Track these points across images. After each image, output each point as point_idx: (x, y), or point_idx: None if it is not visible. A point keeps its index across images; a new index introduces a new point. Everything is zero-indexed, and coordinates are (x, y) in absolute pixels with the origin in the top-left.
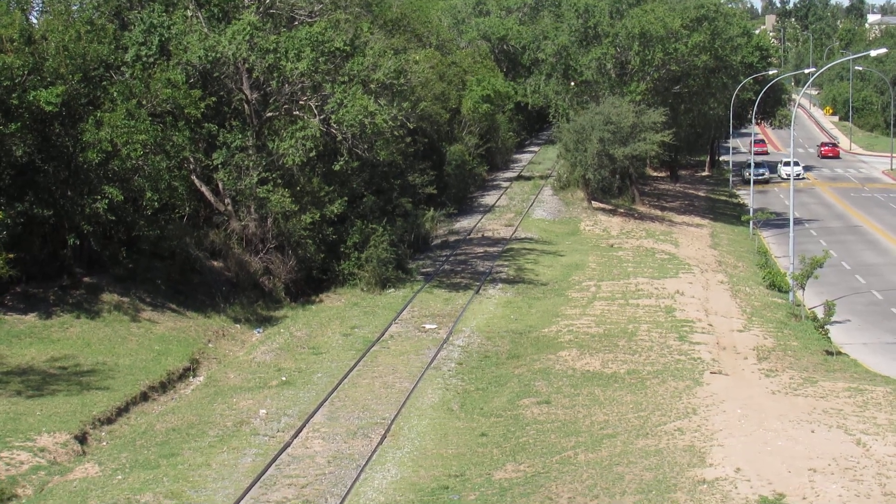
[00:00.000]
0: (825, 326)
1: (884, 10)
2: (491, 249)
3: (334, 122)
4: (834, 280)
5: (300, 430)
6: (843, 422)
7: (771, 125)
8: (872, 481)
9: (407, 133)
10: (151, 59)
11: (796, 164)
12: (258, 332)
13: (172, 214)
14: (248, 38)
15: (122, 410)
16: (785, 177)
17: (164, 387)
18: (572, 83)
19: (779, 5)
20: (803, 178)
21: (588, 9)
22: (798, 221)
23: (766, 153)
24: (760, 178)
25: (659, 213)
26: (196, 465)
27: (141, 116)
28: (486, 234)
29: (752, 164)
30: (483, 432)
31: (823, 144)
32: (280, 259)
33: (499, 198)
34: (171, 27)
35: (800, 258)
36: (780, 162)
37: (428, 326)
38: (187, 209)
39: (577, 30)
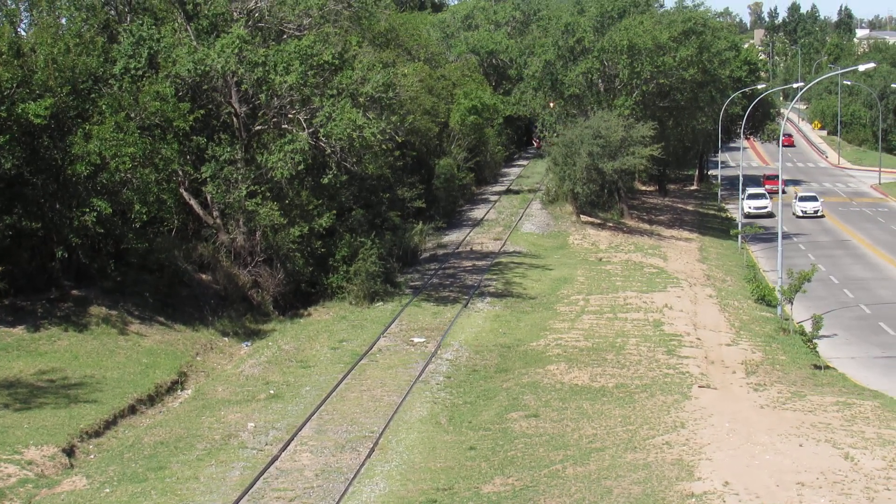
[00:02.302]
0: (813, 340)
1: (872, 25)
2: (479, 263)
3: (323, 136)
4: (822, 294)
5: (288, 444)
6: (831, 436)
7: (760, 139)
8: (861, 495)
9: (395, 147)
10: (140, 72)
11: (814, 198)
12: (246, 346)
13: (161, 227)
14: (236, 51)
15: (110, 423)
16: (801, 214)
17: (151, 400)
18: (552, 104)
19: (767, 20)
20: (821, 216)
21: (570, 26)
22: (786, 236)
23: (784, 191)
24: (762, 211)
25: (647, 227)
26: (184, 478)
27: (130, 129)
28: (474, 248)
29: (741, 190)
30: (471, 446)
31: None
32: (268, 272)
33: (487, 211)
34: (160, 40)
35: (788, 272)
36: (795, 196)
37: (416, 340)
38: (176, 222)
39: (563, 45)
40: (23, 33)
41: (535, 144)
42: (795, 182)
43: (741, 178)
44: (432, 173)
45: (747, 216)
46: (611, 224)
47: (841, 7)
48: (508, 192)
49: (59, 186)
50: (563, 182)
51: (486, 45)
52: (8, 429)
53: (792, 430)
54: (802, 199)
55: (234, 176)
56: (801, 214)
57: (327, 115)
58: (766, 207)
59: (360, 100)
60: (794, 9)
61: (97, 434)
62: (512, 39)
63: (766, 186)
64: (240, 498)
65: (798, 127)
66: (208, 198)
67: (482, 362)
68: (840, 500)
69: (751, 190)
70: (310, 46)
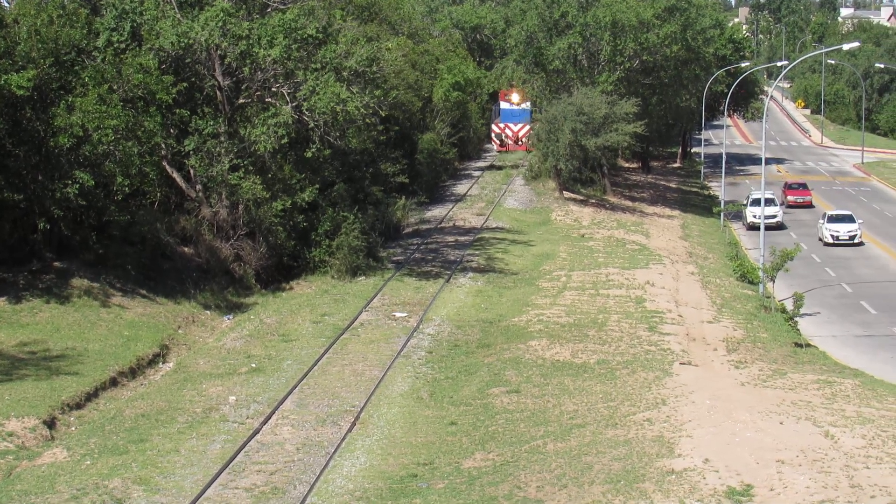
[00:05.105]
0: (794, 319)
1: (856, 4)
2: (462, 238)
3: (306, 110)
4: (804, 272)
5: (269, 417)
6: (811, 414)
7: (743, 117)
8: (840, 473)
9: (379, 121)
10: (123, 45)
11: (848, 218)
12: (228, 319)
13: (143, 200)
14: (220, 24)
15: (91, 396)
16: (831, 240)
17: (133, 372)
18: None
19: None
20: (860, 243)
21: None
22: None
23: (811, 205)
24: (770, 219)
25: (630, 203)
26: (165, 451)
27: (112, 101)
28: (457, 224)
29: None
30: (452, 421)
31: None
32: (251, 246)
33: (470, 187)
34: (143, 13)
35: (770, 250)
36: (823, 216)
37: (398, 315)
38: (158, 195)
39: (546, 18)
40: (6, 4)
41: (495, 144)
42: (779, 161)
43: (724, 156)
44: (415, 148)
45: (751, 227)
46: (593, 200)
47: None
48: (491, 167)
49: (42, 158)
50: (546, 158)
51: (471, 19)
52: None
53: (772, 408)
54: (833, 219)
55: (217, 149)
56: (830, 241)
57: (311, 88)
58: (775, 216)
59: (344, 74)
60: None
61: (78, 406)
62: (496, 14)
63: (790, 197)
64: (220, 471)
65: (781, 105)
66: (191, 171)
67: (464, 337)
68: (820, 478)
69: (755, 194)
70: (294, 20)
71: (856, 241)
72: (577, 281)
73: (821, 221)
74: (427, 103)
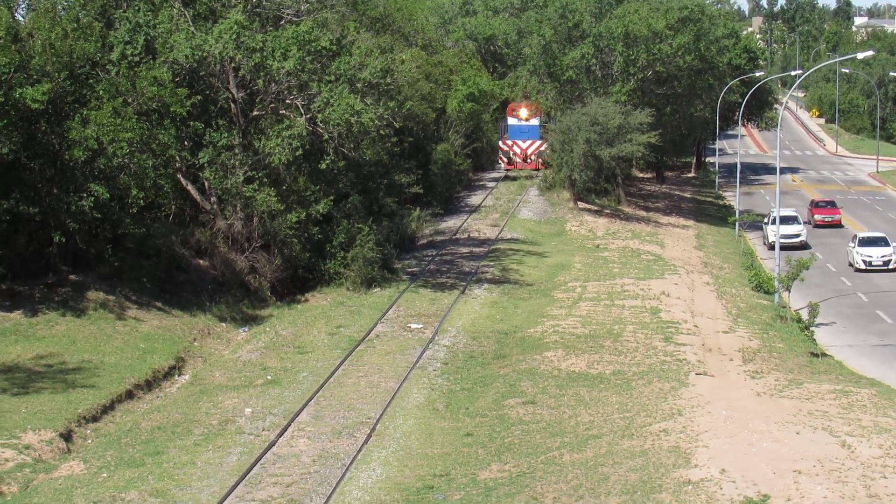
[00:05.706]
0: (810, 328)
1: (870, 13)
2: (476, 250)
3: (320, 121)
4: (819, 282)
5: (285, 429)
6: (828, 424)
7: (757, 127)
8: (857, 483)
9: (393, 132)
10: (137, 58)
11: (882, 241)
12: (244, 331)
13: (158, 213)
14: (234, 37)
15: (108, 408)
16: (863, 266)
17: (149, 385)
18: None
19: (766, 7)
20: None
21: (568, 7)
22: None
23: (840, 224)
24: (793, 241)
25: (645, 213)
26: (181, 463)
27: (127, 114)
28: (471, 235)
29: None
30: (468, 432)
31: None
32: (266, 258)
33: (485, 198)
34: (157, 26)
35: (786, 260)
36: (854, 238)
37: (413, 326)
38: (173, 207)
39: (560, 29)
40: (20, 18)
41: (502, 163)
42: (793, 170)
43: (738, 166)
44: (429, 159)
45: (773, 247)
46: (608, 211)
47: None
48: (506, 178)
49: (57, 171)
50: (560, 169)
51: (484, 31)
52: (6, 413)
53: (789, 418)
54: (865, 242)
55: (232, 162)
56: (862, 266)
57: (325, 100)
58: (798, 235)
59: (358, 85)
60: None
61: (95, 419)
62: (508, 23)
63: (818, 216)
64: (237, 483)
65: (796, 115)
66: (206, 183)
67: (479, 349)
68: (837, 488)
69: (775, 212)
70: (308, 32)
71: (891, 265)
72: (593, 291)
73: (851, 244)
74: (441, 114)
